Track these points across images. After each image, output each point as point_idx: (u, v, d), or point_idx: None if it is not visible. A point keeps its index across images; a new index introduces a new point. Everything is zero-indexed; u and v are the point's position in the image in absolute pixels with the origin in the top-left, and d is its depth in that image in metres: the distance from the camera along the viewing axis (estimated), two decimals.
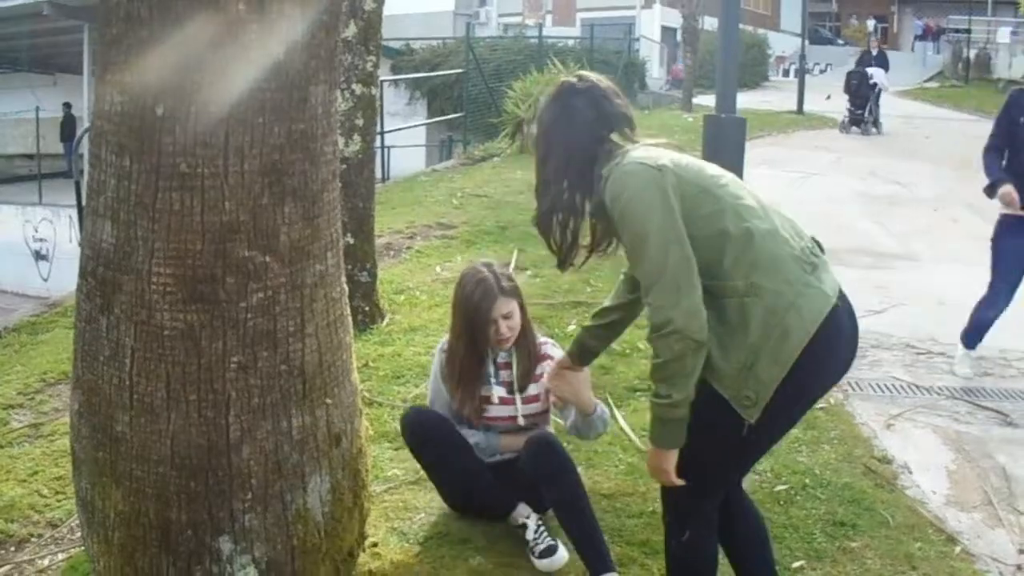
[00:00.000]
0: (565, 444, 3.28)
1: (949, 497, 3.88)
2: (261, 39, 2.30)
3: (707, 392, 2.32)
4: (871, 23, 41.07)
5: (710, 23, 22.60)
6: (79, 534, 2.96)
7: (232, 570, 2.47)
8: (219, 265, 2.35)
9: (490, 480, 3.27)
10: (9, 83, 24.63)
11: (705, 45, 20.93)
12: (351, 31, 5.26)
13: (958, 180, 12.14)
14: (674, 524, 2.61)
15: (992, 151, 5.19)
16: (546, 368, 3.31)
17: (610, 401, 4.46)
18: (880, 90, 17.18)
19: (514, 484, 3.24)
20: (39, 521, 3.41)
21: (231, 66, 2.27)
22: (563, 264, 2.62)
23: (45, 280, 17.02)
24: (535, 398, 3.36)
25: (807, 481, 3.78)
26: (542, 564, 3.05)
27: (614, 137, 2.52)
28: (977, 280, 6.98)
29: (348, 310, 2.78)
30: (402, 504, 3.49)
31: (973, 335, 5.36)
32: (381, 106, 10.01)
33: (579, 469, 3.28)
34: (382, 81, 10.50)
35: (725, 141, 6.34)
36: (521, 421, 3.33)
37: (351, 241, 5.32)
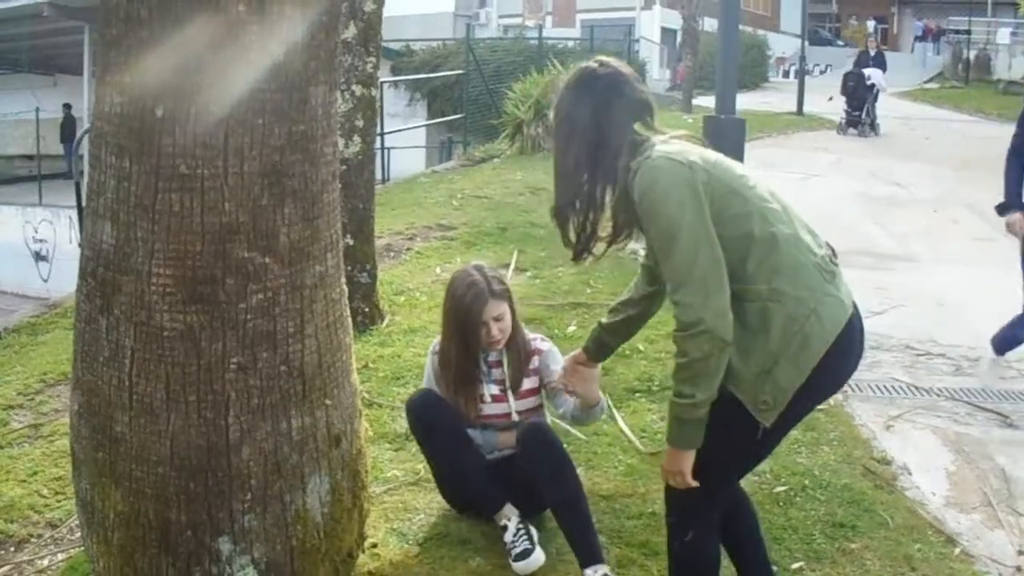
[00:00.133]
0: (566, 445, 3.28)
1: (949, 498, 3.88)
2: (261, 40, 2.30)
3: (723, 395, 2.31)
4: (871, 24, 41.06)
5: (710, 24, 22.62)
6: (79, 534, 2.96)
7: (231, 570, 2.48)
8: (219, 266, 2.36)
9: (484, 476, 3.27)
10: (9, 84, 24.65)
11: (705, 46, 20.93)
12: (351, 32, 5.26)
13: (958, 181, 12.16)
14: (677, 525, 2.60)
15: (1017, 154, 5.15)
16: (537, 362, 3.36)
17: (610, 403, 4.46)
18: (878, 91, 17.12)
19: (507, 484, 3.24)
20: (39, 521, 3.41)
21: (231, 67, 2.28)
22: (580, 256, 2.56)
23: (45, 281, 17.03)
24: (531, 392, 3.36)
25: (806, 482, 3.78)
26: (517, 566, 3.06)
27: (637, 127, 2.45)
28: (977, 281, 6.99)
29: (348, 311, 2.79)
30: (402, 505, 3.49)
31: (1004, 344, 5.22)
32: (381, 107, 10.01)
33: (579, 470, 3.29)
34: (382, 82, 10.50)
35: (725, 142, 6.33)
36: (515, 417, 3.34)
37: (351, 242, 5.32)
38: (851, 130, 17.06)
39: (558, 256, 7.22)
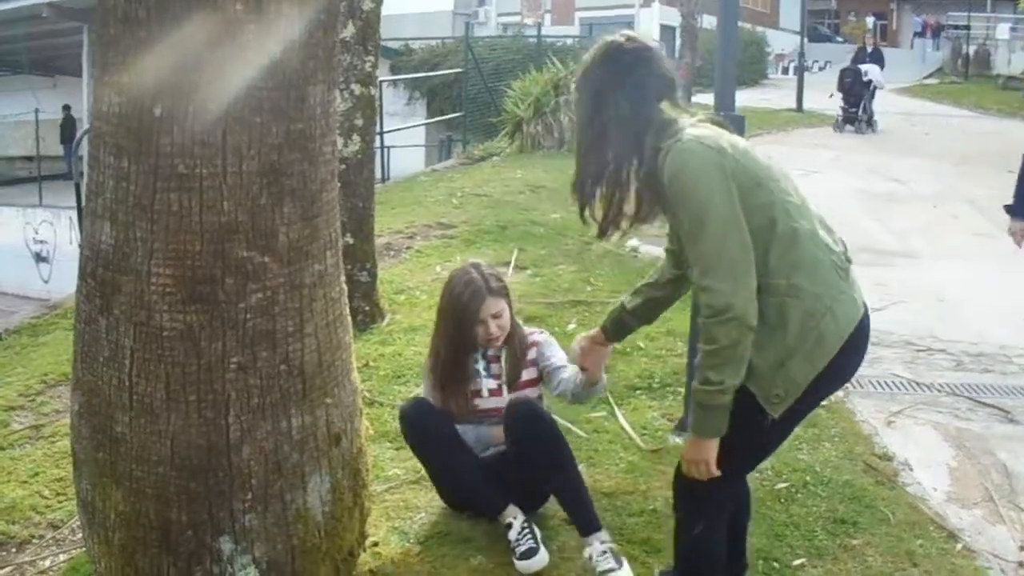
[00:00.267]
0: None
1: (950, 494, 3.87)
2: (259, 39, 2.30)
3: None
4: (870, 20, 41.05)
5: (708, 21, 22.59)
6: (80, 535, 2.96)
7: (233, 570, 2.48)
8: (218, 265, 2.35)
9: (481, 479, 3.26)
10: (9, 85, 24.66)
11: (704, 43, 20.91)
12: (349, 31, 5.26)
13: (958, 176, 12.16)
14: (687, 517, 2.62)
15: None
16: (532, 353, 3.37)
17: (611, 400, 4.46)
18: (875, 88, 17.06)
19: (506, 482, 3.24)
20: (40, 522, 3.41)
21: (229, 66, 2.28)
22: (606, 232, 2.52)
23: (46, 282, 17.02)
24: (530, 382, 3.37)
25: (808, 479, 3.77)
26: (521, 565, 3.06)
27: (664, 107, 2.43)
28: (977, 276, 7.00)
29: (347, 310, 2.79)
30: (403, 503, 3.49)
31: None
32: (380, 106, 10.02)
33: (580, 468, 3.29)
34: (381, 81, 10.50)
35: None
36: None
37: (351, 241, 5.32)
38: (848, 127, 16.98)
39: (558, 254, 7.24)
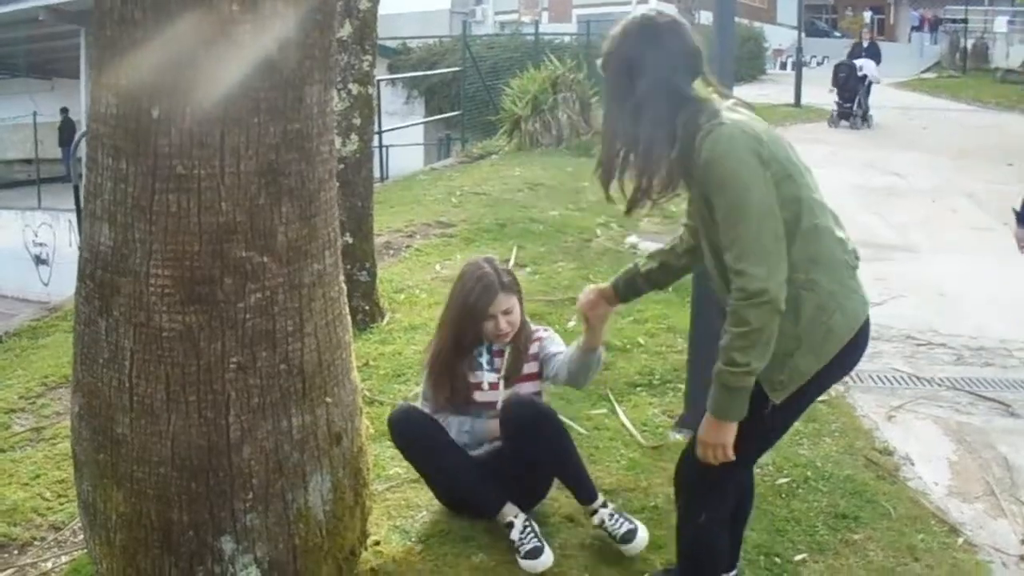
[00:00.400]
0: None
1: (951, 488, 3.87)
2: (255, 39, 2.30)
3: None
4: (867, 15, 41.03)
5: (706, 17, 22.57)
6: (82, 537, 2.96)
7: (234, 570, 2.48)
8: (217, 266, 2.36)
9: (476, 479, 3.24)
10: (7, 89, 24.64)
11: (702, 39, 20.87)
12: (346, 31, 5.26)
13: (956, 170, 12.16)
14: (691, 507, 2.64)
15: None
16: (535, 347, 3.37)
17: (611, 396, 4.47)
18: (870, 83, 16.98)
19: (501, 480, 3.23)
20: (42, 524, 3.41)
21: (225, 66, 2.28)
22: (636, 207, 2.52)
23: (45, 284, 17.01)
24: (531, 376, 3.37)
25: (809, 474, 3.78)
26: (527, 564, 3.06)
27: (697, 84, 2.43)
28: (976, 270, 7.00)
29: (347, 309, 2.79)
30: (404, 502, 3.49)
31: None
32: (378, 105, 10.01)
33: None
34: (379, 80, 10.49)
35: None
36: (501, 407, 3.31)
37: (350, 240, 5.32)
38: (843, 122, 16.84)
39: (557, 251, 7.24)
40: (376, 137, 10.15)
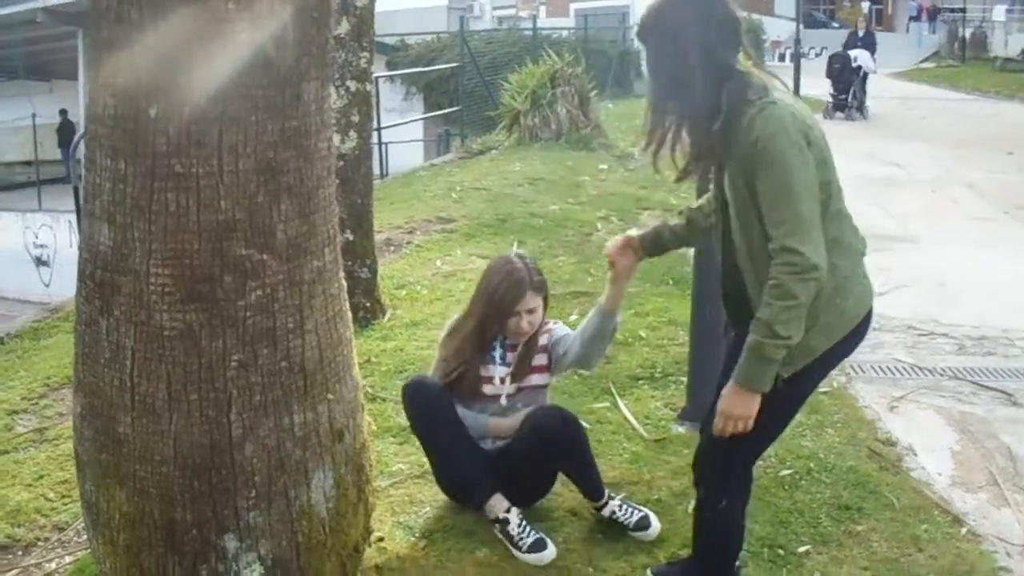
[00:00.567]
0: None
1: (954, 478, 3.87)
2: (251, 37, 2.29)
3: None
4: (865, 5, 40.93)
5: None
6: (85, 537, 2.97)
7: (238, 568, 2.48)
8: (216, 264, 2.35)
9: (472, 461, 3.24)
10: (5, 91, 24.65)
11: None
12: (344, 28, 5.25)
13: (956, 160, 12.14)
14: (712, 493, 2.69)
15: None
16: (544, 339, 3.37)
17: (614, 390, 4.47)
18: (866, 74, 16.88)
19: (498, 475, 3.23)
20: (45, 525, 3.42)
21: (222, 65, 2.27)
22: (688, 175, 2.59)
23: (47, 286, 17.02)
24: (539, 368, 3.38)
25: (811, 465, 3.78)
26: (532, 557, 3.07)
27: (740, 57, 2.46)
28: (977, 260, 6.99)
29: (347, 306, 2.78)
30: (407, 498, 3.50)
31: None
32: (377, 102, 9.99)
33: None
34: (377, 77, 10.47)
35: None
36: (504, 402, 3.34)
37: (350, 237, 5.32)
38: (838, 114, 16.69)
39: (558, 246, 7.24)
40: (375, 134, 10.13)
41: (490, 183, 9.78)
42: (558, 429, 3.17)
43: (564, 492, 3.42)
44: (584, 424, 4.02)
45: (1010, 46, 27.83)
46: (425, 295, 6.02)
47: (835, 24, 42.65)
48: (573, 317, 5.33)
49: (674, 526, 3.30)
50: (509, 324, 3.26)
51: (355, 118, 5.42)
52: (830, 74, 16.88)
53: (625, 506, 3.26)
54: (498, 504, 3.18)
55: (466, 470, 3.26)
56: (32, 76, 23.76)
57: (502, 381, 3.34)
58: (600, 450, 3.85)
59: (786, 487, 3.60)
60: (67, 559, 3.21)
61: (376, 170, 8.63)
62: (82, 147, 3.31)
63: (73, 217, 11.57)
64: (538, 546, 3.07)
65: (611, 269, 3.08)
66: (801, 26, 23.87)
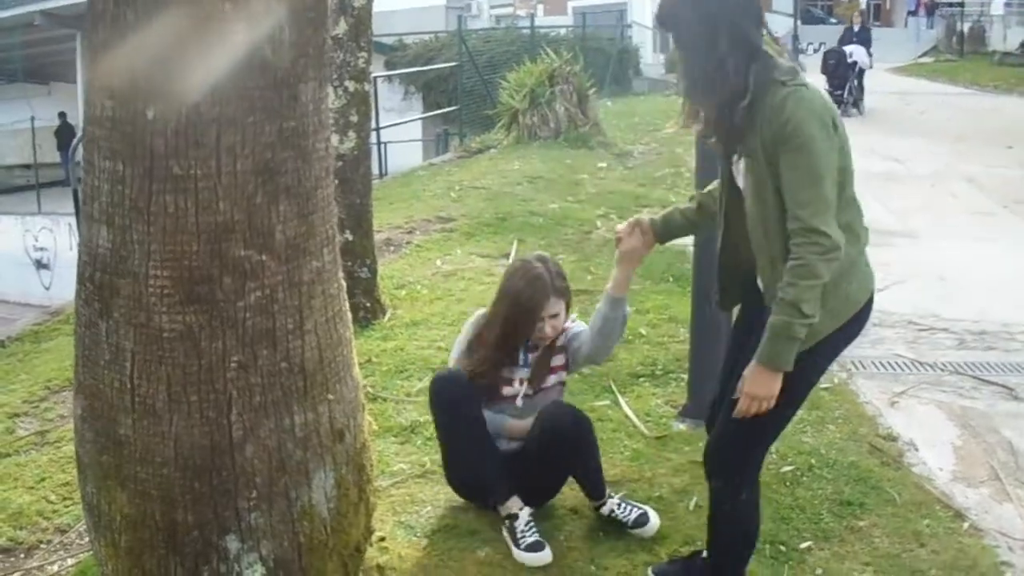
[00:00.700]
0: None
1: (956, 473, 3.87)
2: (248, 38, 2.29)
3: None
4: (863, 0, 40.91)
5: None
6: (87, 539, 2.97)
7: (240, 569, 2.48)
8: (215, 265, 2.35)
9: (493, 463, 3.24)
10: (4, 94, 24.66)
11: None
12: (341, 28, 5.25)
13: (955, 155, 12.13)
14: (730, 487, 2.71)
15: None
16: (563, 339, 3.36)
17: (614, 387, 4.47)
18: (861, 69, 16.84)
19: (515, 475, 3.24)
20: (47, 528, 3.42)
21: (219, 66, 2.27)
22: (729, 156, 2.63)
23: (47, 289, 17.03)
24: (556, 368, 3.38)
25: (813, 461, 3.78)
26: (528, 557, 3.07)
27: (766, 39, 2.50)
28: (977, 255, 6.98)
29: (347, 306, 2.78)
30: (409, 498, 3.50)
31: None
32: (376, 102, 9.99)
33: None
34: (375, 77, 10.47)
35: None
36: (519, 403, 3.33)
37: (350, 238, 5.32)
38: None
39: (557, 244, 7.24)
40: (374, 134, 10.14)
41: (489, 182, 9.78)
42: (568, 427, 3.18)
43: (566, 491, 3.42)
44: None
45: (1009, 40, 27.83)
46: (425, 295, 6.02)
47: (833, 20, 42.65)
48: (573, 316, 5.32)
49: (675, 523, 3.31)
50: (532, 330, 3.25)
51: (353, 118, 5.42)
52: (825, 70, 16.82)
53: (623, 504, 3.27)
54: (513, 504, 3.20)
55: (487, 472, 3.25)
56: (31, 79, 23.76)
57: (521, 383, 3.34)
58: (601, 448, 3.83)
59: (787, 483, 3.60)
60: (69, 561, 3.22)
61: (375, 170, 8.63)
62: (81, 150, 3.31)
63: (73, 220, 11.59)
64: (536, 547, 3.07)
65: (617, 248, 3.09)
66: (799, 22, 23.88)
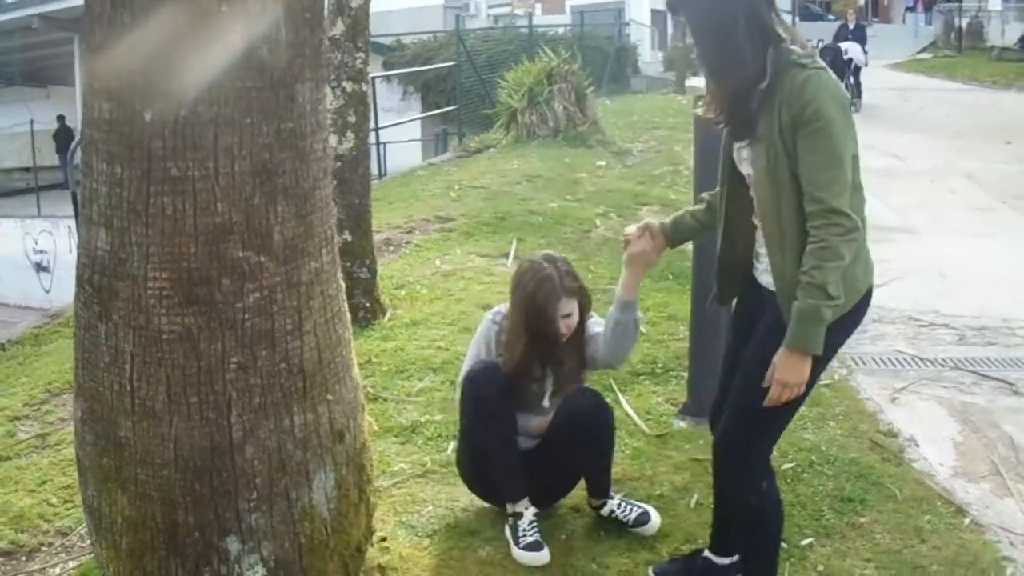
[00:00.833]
0: None
1: (956, 468, 3.87)
2: (245, 38, 2.29)
3: (774, 322, 2.53)
4: None
5: None
6: (89, 541, 2.97)
7: (240, 570, 2.48)
8: (214, 267, 2.35)
9: (513, 463, 3.20)
10: (3, 97, 24.69)
11: None
12: (339, 29, 5.26)
13: (954, 151, 12.14)
14: (750, 480, 2.72)
15: None
16: (584, 335, 3.30)
17: (615, 386, 4.47)
18: (857, 66, 16.84)
19: (527, 475, 3.22)
20: (49, 530, 3.42)
21: (216, 67, 2.27)
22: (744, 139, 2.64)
23: (47, 291, 17.04)
24: (580, 365, 3.35)
25: (813, 458, 3.78)
26: (525, 556, 3.07)
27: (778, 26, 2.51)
28: (977, 250, 6.99)
29: (346, 306, 2.78)
30: (410, 498, 3.50)
31: None
32: (374, 103, 10.00)
33: None
34: (374, 77, 10.47)
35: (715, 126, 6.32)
36: (546, 404, 3.30)
37: (349, 238, 5.33)
38: None
39: (557, 243, 7.23)
40: (373, 134, 10.15)
41: (488, 181, 9.77)
42: (588, 411, 3.20)
43: None
44: None
45: (1007, 35, 27.80)
46: (425, 294, 6.02)
47: (831, 16, 42.61)
48: (593, 314, 5.33)
49: (676, 521, 3.31)
50: (554, 328, 3.21)
51: (352, 119, 5.43)
52: None
53: (624, 503, 3.27)
54: (521, 504, 3.19)
55: (509, 473, 3.21)
56: (29, 82, 23.81)
57: (547, 382, 3.31)
58: None
59: (788, 480, 3.60)
60: (71, 564, 3.22)
61: (374, 170, 8.62)
62: (79, 152, 3.31)
63: (72, 223, 11.59)
64: (535, 547, 3.07)
65: (625, 250, 3.07)
66: (797, 18, 23.87)
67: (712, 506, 2.99)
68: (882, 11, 42.81)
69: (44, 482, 3.74)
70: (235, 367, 2.41)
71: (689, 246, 3.90)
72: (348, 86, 5.38)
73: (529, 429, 3.30)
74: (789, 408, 2.60)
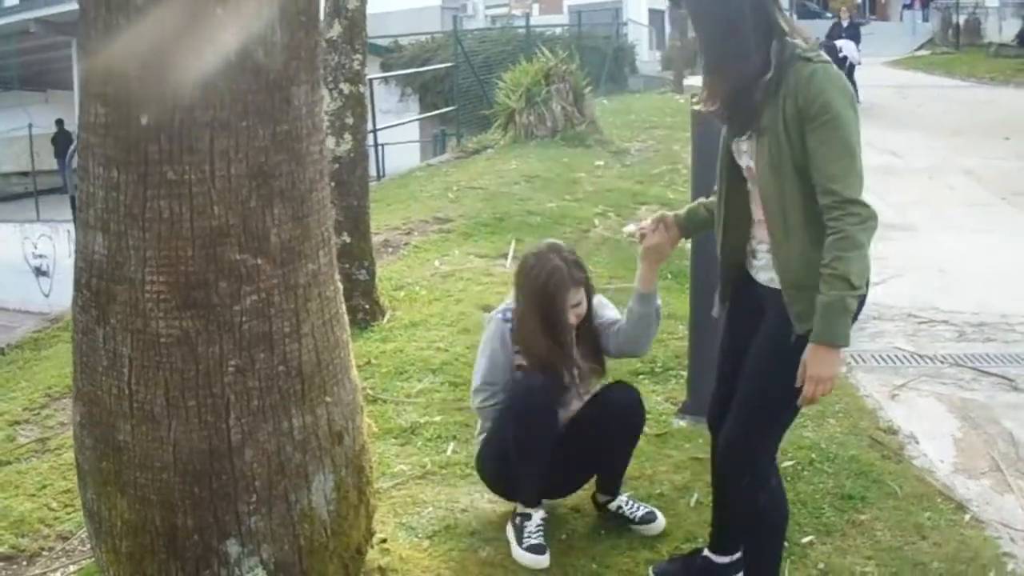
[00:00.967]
0: None
1: (957, 465, 3.87)
2: (240, 41, 2.29)
3: (775, 322, 2.55)
4: None
5: None
6: (89, 545, 2.97)
7: (240, 572, 2.48)
8: (211, 270, 2.35)
9: (543, 469, 3.17)
10: (1, 102, 24.66)
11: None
12: (336, 31, 5.26)
13: (952, 147, 12.14)
14: (758, 478, 2.72)
15: None
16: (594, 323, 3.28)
17: None
18: (852, 64, 16.84)
19: (549, 476, 3.21)
20: (49, 535, 3.42)
21: (212, 70, 2.27)
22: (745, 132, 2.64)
23: (47, 296, 17.01)
24: (597, 354, 3.33)
25: (813, 456, 3.78)
26: (525, 557, 3.07)
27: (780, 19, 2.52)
28: (976, 247, 6.99)
29: (343, 308, 2.78)
30: (410, 499, 3.50)
31: None
32: (372, 104, 9.99)
33: None
34: (371, 79, 10.47)
35: (715, 121, 6.32)
36: (581, 392, 3.29)
37: (348, 240, 5.33)
38: None
39: None
40: (371, 136, 10.14)
41: (487, 182, 9.78)
42: (630, 404, 3.23)
43: None
44: None
45: (1004, 31, 27.80)
46: (424, 296, 6.02)
47: (828, 14, 42.57)
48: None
49: (676, 520, 3.31)
50: (567, 319, 3.19)
51: (349, 120, 5.43)
52: None
53: (631, 502, 3.30)
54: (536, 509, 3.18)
55: (537, 477, 3.19)
56: (27, 87, 23.77)
57: (574, 374, 3.27)
58: None
59: (788, 478, 3.59)
60: (71, 568, 3.22)
61: (372, 171, 8.61)
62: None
63: (72, 227, 11.55)
64: (537, 550, 3.07)
65: (641, 244, 3.06)
66: (794, 16, 23.85)
67: (712, 505, 2.98)
68: (879, 8, 42.78)
69: (44, 486, 3.74)
70: (233, 370, 2.41)
71: (688, 245, 3.90)
72: (345, 88, 5.38)
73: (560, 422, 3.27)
74: (795, 406, 2.59)
